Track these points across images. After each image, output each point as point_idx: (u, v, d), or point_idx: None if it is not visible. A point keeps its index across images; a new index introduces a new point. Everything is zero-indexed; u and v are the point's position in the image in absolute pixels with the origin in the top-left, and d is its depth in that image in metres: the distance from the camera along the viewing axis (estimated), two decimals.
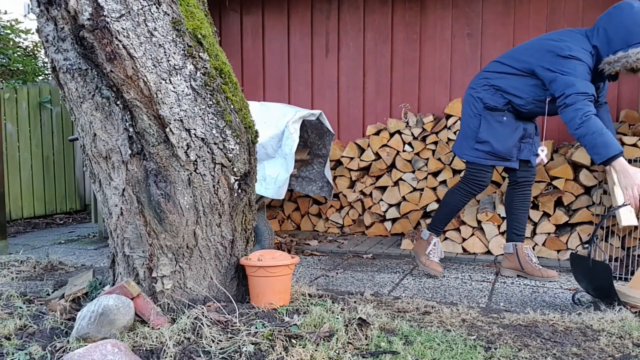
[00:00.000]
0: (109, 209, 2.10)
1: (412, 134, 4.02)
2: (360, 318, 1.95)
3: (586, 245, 3.23)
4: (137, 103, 1.86)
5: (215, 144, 2.01)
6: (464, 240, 3.50)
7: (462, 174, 3.79)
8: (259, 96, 4.74)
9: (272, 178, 3.22)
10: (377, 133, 4.15)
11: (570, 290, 2.70)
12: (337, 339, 1.78)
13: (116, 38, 1.76)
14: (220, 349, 1.71)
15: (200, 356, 1.67)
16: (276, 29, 4.64)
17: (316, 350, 1.69)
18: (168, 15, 1.87)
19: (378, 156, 4.13)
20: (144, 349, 1.72)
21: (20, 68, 6.63)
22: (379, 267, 3.25)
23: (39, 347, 1.76)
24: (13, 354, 1.71)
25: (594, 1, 3.75)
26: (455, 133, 3.83)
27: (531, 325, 2.05)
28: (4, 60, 6.50)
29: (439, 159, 3.89)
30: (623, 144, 3.22)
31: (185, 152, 1.96)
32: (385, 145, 4.10)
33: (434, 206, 3.89)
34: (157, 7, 1.84)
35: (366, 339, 1.83)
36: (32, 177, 5.30)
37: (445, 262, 3.28)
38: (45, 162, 5.44)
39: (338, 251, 3.68)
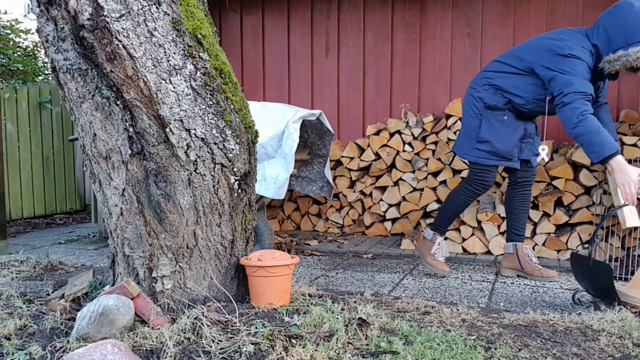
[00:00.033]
0: (109, 209, 2.10)
1: (412, 134, 4.01)
2: (360, 318, 1.95)
3: (586, 245, 3.23)
4: (137, 103, 1.86)
5: (215, 144, 2.01)
6: (464, 240, 3.51)
7: (462, 174, 3.79)
8: (259, 96, 4.74)
9: (272, 178, 3.22)
10: (377, 133, 4.15)
11: (570, 290, 2.70)
12: (337, 339, 1.78)
13: (116, 38, 1.76)
14: (220, 349, 1.71)
15: (200, 356, 1.67)
16: (276, 29, 4.64)
17: (316, 350, 1.69)
18: (168, 15, 1.87)
19: (378, 156, 4.13)
20: (144, 349, 1.72)
21: (20, 68, 6.63)
22: (379, 267, 3.25)
23: (39, 347, 1.76)
24: (13, 354, 1.71)
25: (594, 1, 3.75)
26: (455, 133, 3.83)
27: (531, 325, 2.05)
28: (4, 60, 6.50)
29: (439, 159, 3.89)
30: (623, 144, 3.22)
31: (185, 152, 1.96)
32: (385, 145, 4.10)
33: (434, 206, 3.89)
34: (157, 7, 1.84)
35: (366, 339, 1.83)
36: (32, 177, 5.30)
37: (445, 262, 3.28)
38: (45, 162, 5.44)
39: (338, 251, 3.68)
